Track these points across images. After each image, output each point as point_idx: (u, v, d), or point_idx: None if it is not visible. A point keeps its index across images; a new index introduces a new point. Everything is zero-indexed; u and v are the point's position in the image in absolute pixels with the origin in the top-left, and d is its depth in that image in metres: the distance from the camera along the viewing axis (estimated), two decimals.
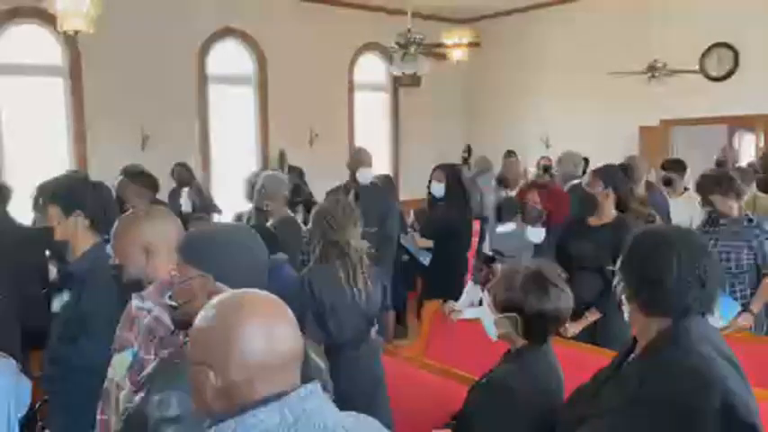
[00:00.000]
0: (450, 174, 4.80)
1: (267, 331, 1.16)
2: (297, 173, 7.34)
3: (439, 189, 4.74)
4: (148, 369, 1.61)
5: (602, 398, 1.71)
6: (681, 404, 1.49)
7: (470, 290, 4.38)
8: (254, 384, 1.15)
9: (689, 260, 1.66)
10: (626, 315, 1.75)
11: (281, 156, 8.82)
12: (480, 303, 4.16)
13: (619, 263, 1.78)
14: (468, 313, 4.14)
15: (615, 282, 1.79)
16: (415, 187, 7.26)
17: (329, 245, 2.87)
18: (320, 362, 1.75)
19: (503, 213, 4.27)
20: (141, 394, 1.52)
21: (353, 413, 1.28)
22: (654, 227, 2.09)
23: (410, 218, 6.06)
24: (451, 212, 4.83)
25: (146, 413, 1.48)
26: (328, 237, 2.86)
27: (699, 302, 1.67)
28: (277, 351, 1.16)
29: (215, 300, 1.23)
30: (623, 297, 1.75)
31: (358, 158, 4.91)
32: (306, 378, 1.22)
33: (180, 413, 1.46)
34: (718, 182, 3.92)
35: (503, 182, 5.34)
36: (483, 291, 4.19)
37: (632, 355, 1.75)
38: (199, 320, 1.21)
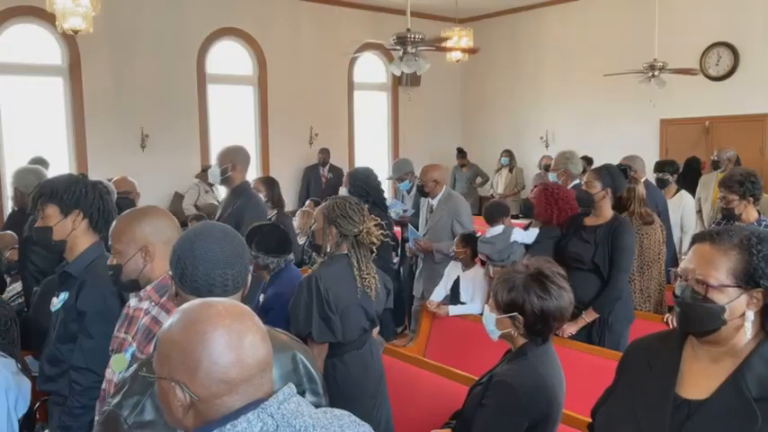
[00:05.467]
0: (353, 179, 4.68)
1: (235, 343, 1.10)
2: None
3: (344, 192, 4.69)
4: (129, 371, 1.59)
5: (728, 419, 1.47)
6: None
7: (450, 269, 4.38)
8: (223, 399, 1.10)
9: None
10: (748, 333, 1.49)
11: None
12: (456, 283, 4.20)
13: (728, 268, 1.48)
14: (454, 310, 4.16)
15: (720, 281, 1.48)
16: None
17: (343, 238, 2.85)
18: (312, 369, 1.72)
19: (492, 216, 4.25)
20: (118, 397, 1.49)
21: (327, 408, 1.26)
22: None
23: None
24: None
25: (120, 416, 1.45)
26: (344, 229, 2.83)
27: None
28: (246, 363, 1.11)
29: (179, 311, 1.17)
30: (749, 310, 1.48)
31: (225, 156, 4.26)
32: (296, 384, 1.21)
33: (154, 418, 1.44)
34: (735, 184, 3.78)
35: (419, 189, 5.02)
36: (462, 269, 4.24)
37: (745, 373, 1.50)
38: (162, 331, 1.15)
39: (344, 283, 2.82)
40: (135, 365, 1.60)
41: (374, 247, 2.91)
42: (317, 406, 1.62)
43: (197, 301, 1.19)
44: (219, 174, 4.12)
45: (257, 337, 1.14)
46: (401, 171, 5.74)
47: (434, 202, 4.85)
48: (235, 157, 4.16)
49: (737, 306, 1.48)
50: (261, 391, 1.13)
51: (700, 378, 1.54)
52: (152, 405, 1.44)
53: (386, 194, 5.13)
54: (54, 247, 2.50)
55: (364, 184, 4.60)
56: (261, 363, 1.13)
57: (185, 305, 1.18)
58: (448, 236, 4.72)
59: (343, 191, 4.72)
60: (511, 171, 10.05)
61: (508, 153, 10.07)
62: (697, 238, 1.58)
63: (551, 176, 5.09)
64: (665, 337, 1.69)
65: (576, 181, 4.80)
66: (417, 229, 5.01)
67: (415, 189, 5.56)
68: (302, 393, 1.65)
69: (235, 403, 1.10)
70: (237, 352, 1.10)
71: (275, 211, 5.05)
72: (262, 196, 4.76)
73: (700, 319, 1.49)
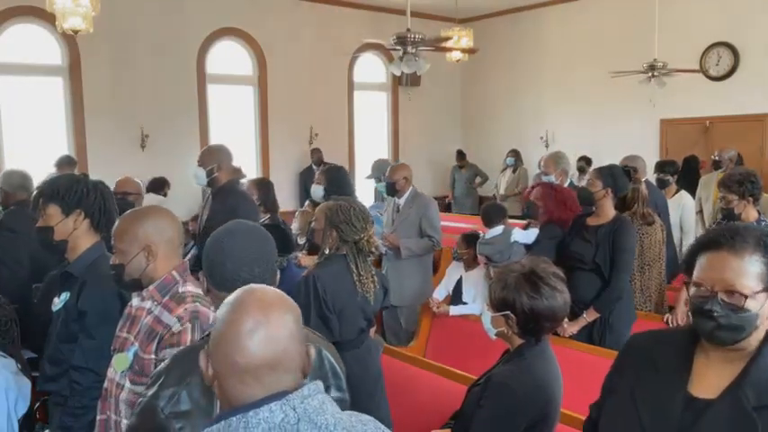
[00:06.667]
0: (329, 176, 4.61)
1: (250, 332, 1.14)
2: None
3: (318, 190, 4.59)
4: (163, 363, 1.63)
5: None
6: None
7: (452, 269, 4.39)
8: (229, 381, 1.15)
9: None
10: None
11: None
12: (458, 284, 4.21)
13: (756, 274, 1.48)
14: (454, 310, 4.16)
15: (753, 288, 1.47)
16: (417, 187, 7.23)
17: (343, 243, 2.85)
18: (337, 365, 1.74)
19: (489, 217, 4.25)
20: (154, 389, 1.53)
21: (353, 412, 1.28)
22: None
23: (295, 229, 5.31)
24: None
25: (157, 407, 1.50)
26: (345, 235, 2.84)
27: None
28: (251, 353, 1.14)
29: (228, 297, 1.24)
30: None
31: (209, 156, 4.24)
32: (321, 380, 1.23)
33: (190, 408, 1.48)
34: (735, 184, 3.77)
35: (390, 188, 4.92)
36: (465, 270, 4.24)
37: None
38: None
39: (342, 282, 2.83)
40: (170, 358, 1.64)
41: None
42: (341, 401, 1.66)
43: (243, 288, 1.25)
44: (206, 175, 4.08)
45: (272, 332, 1.16)
46: (380, 171, 5.66)
47: (401, 201, 4.80)
48: (219, 156, 4.12)
49: (766, 308, 1.49)
50: (287, 384, 1.16)
51: (711, 377, 1.54)
52: (188, 396, 1.50)
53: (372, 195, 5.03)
54: (55, 248, 2.51)
55: (344, 182, 4.56)
56: (269, 360, 1.15)
57: (236, 292, 1.24)
58: (415, 235, 4.67)
59: (315, 188, 4.62)
60: (515, 171, 9.99)
61: (514, 153, 9.96)
62: (710, 245, 1.54)
63: (546, 178, 5.08)
64: (666, 337, 1.67)
65: (569, 180, 4.82)
66: (384, 230, 4.90)
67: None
68: (327, 389, 1.69)
69: (257, 392, 1.14)
70: (247, 340, 1.14)
71: (267, 216, 4.90)
72: (254, 199, 4.68)
73: (737, 330, 1.49)
